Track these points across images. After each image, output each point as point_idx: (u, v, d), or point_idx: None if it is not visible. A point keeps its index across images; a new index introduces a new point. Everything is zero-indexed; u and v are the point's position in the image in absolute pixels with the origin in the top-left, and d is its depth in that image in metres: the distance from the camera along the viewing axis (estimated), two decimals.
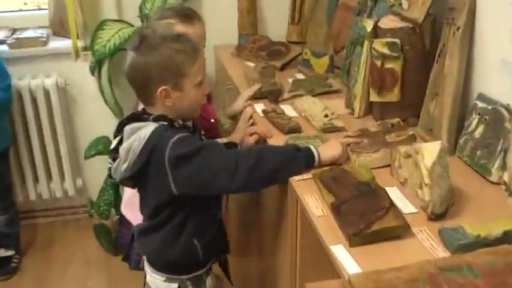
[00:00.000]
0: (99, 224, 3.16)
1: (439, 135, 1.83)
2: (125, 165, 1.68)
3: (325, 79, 2.41)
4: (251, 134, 2.02)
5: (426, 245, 1.37)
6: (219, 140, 2.07)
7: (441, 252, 1.34)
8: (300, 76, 2.57)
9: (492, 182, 1.64)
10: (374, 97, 2.01)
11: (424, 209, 1.49)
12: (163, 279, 1.86)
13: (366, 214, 1.41)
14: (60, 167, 3.30)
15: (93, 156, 3.08)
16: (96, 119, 3.25)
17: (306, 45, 2.89)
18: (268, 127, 2.03)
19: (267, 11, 3.25)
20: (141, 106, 1.84)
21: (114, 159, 1.75)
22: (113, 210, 3.13)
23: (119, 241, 2.57)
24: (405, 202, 1.54)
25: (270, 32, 3.18)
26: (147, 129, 1.65)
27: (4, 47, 3.07)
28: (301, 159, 1.70)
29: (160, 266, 1.87)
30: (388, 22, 1.97)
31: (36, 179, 3.31)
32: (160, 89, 1.66)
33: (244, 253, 2.59)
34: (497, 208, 1.52)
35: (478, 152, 1.69)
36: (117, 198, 3.02)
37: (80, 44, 3.04)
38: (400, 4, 1.97)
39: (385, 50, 1.91)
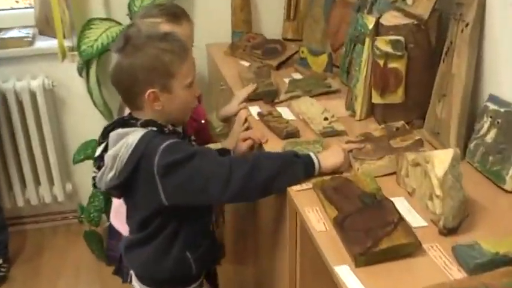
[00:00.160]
0: (90, 231, 3.04)
1: (447, 139, 1.72)
2: (111, 174, 1.59)
3: (324, 79, 2.29)
4: (244, 140, 1.92)
5: (439, 264, 1.25)
6: (212, 146, 1.97)
7: (456, 272, 1.22)
8: (297, 76, 2.46)
9: (506, 191, 1.53)
10: (376, 99, 1.89)
11: (435, 222, 1.37)
12: None
13: (372, 230, 1.29)
14: (49, 172, 3.20)
15: (82, 160, 2.97)
16: (85, 121, 3.13)
17: (302, 42, 2.79)
18: (264, 131, 1.92)
19: (261, 7, 3.12)
20: (128, 110, 1.73)
21: (98, 168, 1.65)
22: (104, 216, 3.01)
23: (109, 253, 2.45)
24: (414, 215, 1.43)
25: (264, 29, 3.07)
26: (134, 135, 1.56)
27: None
28: (300, 167, 1.59)
29: (150, 282, 1.78)
30: (391, 18, 1.86)
31: (23, 185, 3.20)
32: (147, 92, 1.57)
33: (241, 260, 2.48)
34: None
35: (490, 158, 1.58)
36: (108, 204, 2.89)
37: (67, 44, 2.92)
38: None
39: (389, 49, 1.79)
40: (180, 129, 1.70)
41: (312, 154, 1.63)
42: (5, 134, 3.04)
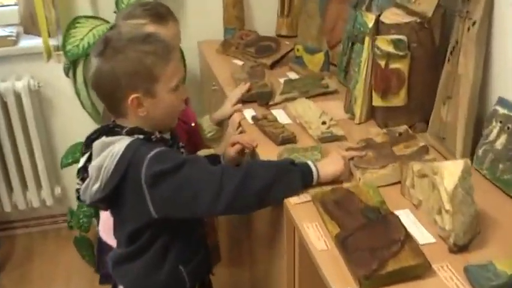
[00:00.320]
0: (80, 237, 2.94)
1: (453, 144, 1.62)
2: (96, 186, 1.49)
3: (321, 79, 2.19)
4: (233, 144, 1.82)
5: (450, 286, 1.16)
6: (204, 152, 1.87)
7: None
8: (293, 75, 2.35)
9: None
10: (377, 101, 1.79)
11: (444, 239, 1.27)
12: None
13: (377, 250, 1.20)
14: (36, 175, 3.09)
15: (70, 164, 2.86)
16: (74, 123, 3.02)
17: (297, 39, 2.69)
18: (257, 136, 1.82)
19: (254, 3, 3.01)
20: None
21: (82, 180, 1.55)
22: (94, 221, 2.91)
23: (101, 271, 2.33)
24: (421, 230, 1.33)
25: (257, 26, 2.97)
26: (120, 144, 1.47)
27: None
28: (296, 175, 1.49)
29: None
30: (392, 16, 1.75)
31: (10, 189, 3.10)
32: (130, 97, 1.48)
33: (236, 264, 2.41)
34: None
35: (501, 166, 1.48)
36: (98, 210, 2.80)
37: (53, 43, 2.81)
38: None
39: (390, 49, 1.69)
40: (167, 135, 1.62)
41: (309, 162, 1.53)
42: None
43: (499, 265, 1.16)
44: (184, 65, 2.77)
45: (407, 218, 1.37)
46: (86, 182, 1.53)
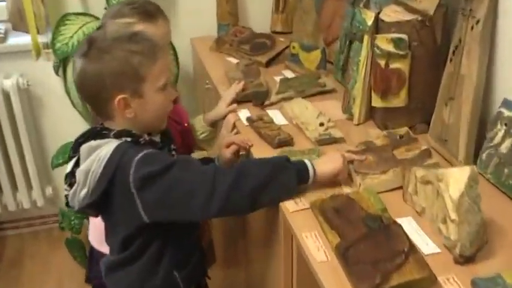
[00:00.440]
0: (72, 239, 2.88)
1: (455, 147, 1.56)
2: (84, 191, 1.44)
3: (317, 77, 2.12)
4: (228, 145, 1.77)
5: None
6: (197, 154, 1.81)
7: None
8: (288, 73, 2.29)
9: None
10: (377, 102, 1.73)
11: (449, 249, 1.22)
12: None
13: (380, 262, 1.14)
14: (27, 176, 3.01)
15: (61, 165, 2.79)
16: (64, 122, 2.95)
17: (292, 35, 2.62)
18: (254, 139, 1.76)
19: None
20: None
21: (70, 185, 1.50)
22: (86, 222, 2.85)
23: (94, 281, 2.26)
24: (424, 239, 1.27)
25: (252, 22, 2.90)
26: (107, 147, 1.42)
27: None
28: (292, 173, 1.44)
29: None
30: (392, 14, 1.69)
31: (0, 190, 3.02)
32: (117, 98, 1.43)
33: (232, 265, 2.37)
34: None
35: (506, 170, 1.43)
36: None
37: (42, 40, 2.73)
38: None
39: (391, 48, 1.63)
40: (157, 138, 1.56)
41: (306, 160, 1.48)
42: None
43: (507, 278, 1.10)
44: (177, 63, 2.70)
45: (409, 225, 1.32)
46: (73, 188, 1.48)
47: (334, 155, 1.52)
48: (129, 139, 1.45)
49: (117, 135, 1.45)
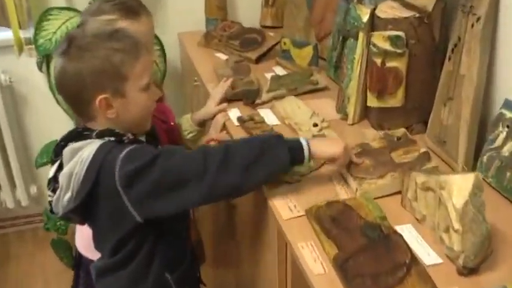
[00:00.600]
0: (57, 240, 2.81)
1: (455, 149, 1.51)
2: (68, 195, 1.38)
3: (309, 74, 2.06)
4: (208, 142, 1.75)
5: None
6: None
7: None
8: (279, 70, 2.22)
9: None
10: (373, 102, 1.67)
11: (452, 260, 1.16)
12: None
13: (380, 275, 1.09)
14: (10, 175, 2.95)
15: (45, 164, 2.72)
16: (48, 120, 2.89)
17: (282, 30, 2.55)
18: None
19: None
20: None
21: (53, 191, 1.44)
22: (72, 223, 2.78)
23: None
24: (426, 248, 1.22)
25: (241, 16, 2.82)
26: (90, 148, 1.37)
27: None
28: (283, 149, 1.38)
29: None
30: (388, 10, 1.63)
31: None
32: (98, 98, 1.38)
33: (222, 264, 2.31)
34: None
35: (508, 174, 1.37)
36: None
37: (24, 35, 2.64)
38: None
39: (387, 46, 1.57)
40: (143, 138, 1.52)
41: (301, 139, 1.43)
42: None
43: None
44: (165, 59, 2.63)
45: (409, 234, 1.26)
46: (57, 193, 1.42)
47: (337, 140, 1.49)
48: (112, 138, 1.40)
49: (100, 135, 1.40)
